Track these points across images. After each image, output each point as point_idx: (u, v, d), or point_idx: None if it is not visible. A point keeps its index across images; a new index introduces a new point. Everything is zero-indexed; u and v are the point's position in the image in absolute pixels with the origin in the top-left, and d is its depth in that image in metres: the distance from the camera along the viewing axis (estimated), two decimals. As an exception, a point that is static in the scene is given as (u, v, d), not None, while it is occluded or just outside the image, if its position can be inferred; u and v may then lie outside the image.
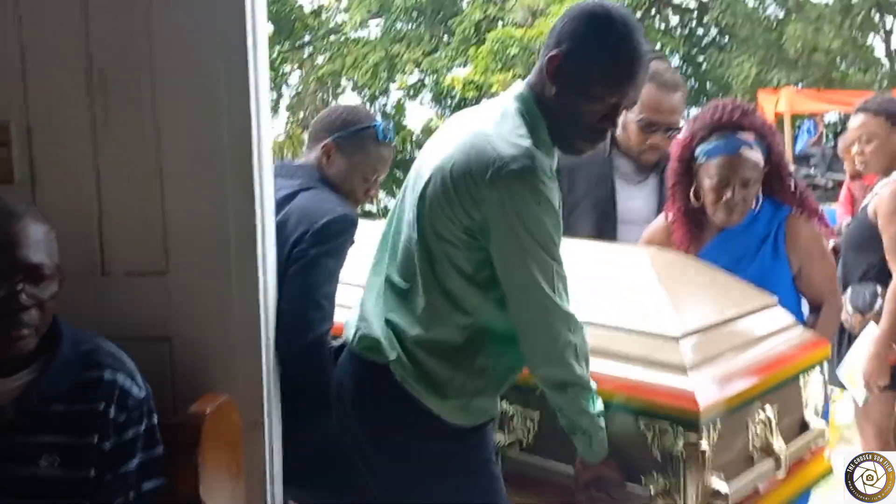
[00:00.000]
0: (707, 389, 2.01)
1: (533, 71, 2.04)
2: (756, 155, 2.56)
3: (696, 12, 19.58)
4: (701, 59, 18.75)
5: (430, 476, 2.05)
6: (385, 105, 19.63)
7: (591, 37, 1.93)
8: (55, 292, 1.80)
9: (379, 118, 2.71)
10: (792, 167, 2.85)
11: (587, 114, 1.96)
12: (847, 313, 3.40)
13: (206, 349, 2.12)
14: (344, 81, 19.61)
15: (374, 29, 19.33)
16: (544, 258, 1.89)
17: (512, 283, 1.93)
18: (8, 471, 1.79)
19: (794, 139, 13.57)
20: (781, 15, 17.55)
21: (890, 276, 3.43)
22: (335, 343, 2.31)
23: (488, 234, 1.91)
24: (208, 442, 1.94)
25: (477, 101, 16.51)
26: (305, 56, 20.05)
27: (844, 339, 3.51)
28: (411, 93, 19.38)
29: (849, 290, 3.48)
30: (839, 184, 6.27)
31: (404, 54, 18.15)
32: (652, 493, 2.00)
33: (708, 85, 18.20)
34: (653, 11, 18.33)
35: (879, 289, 3.44)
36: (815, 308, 2.71)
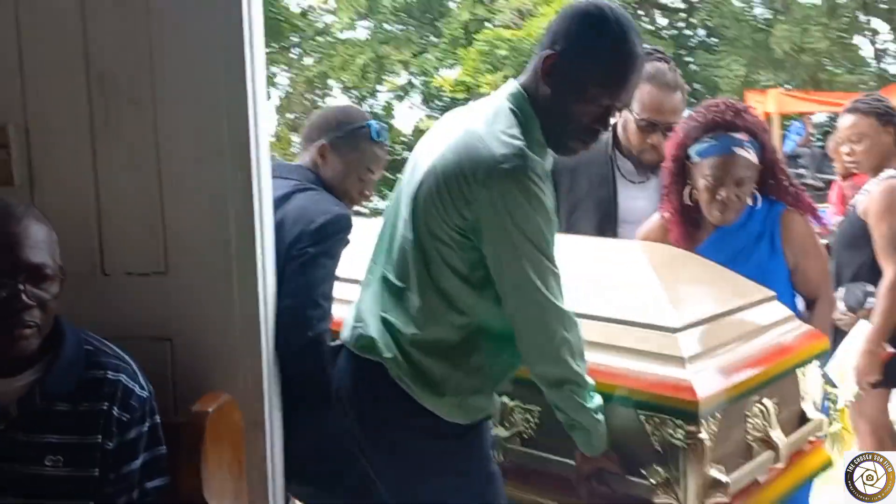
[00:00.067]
0: (706, 381, 2.02)
1: (527, 70, 2.05)
2: (749, 154, 2.58)
3: (683, 13, 19.63)
4: (689, 60, 18.80)
5: (427, 474, 2.06)
6: (374, 106, 19.62)
7: (586, 37, 1.94)
8: (57, 292, 1.81)
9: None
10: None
11: (580, 114, 1.96)
12: (839, 312, 3.43)
13: (207, 349, 2.13)
14: (332, 83, 19.58)
15: (363, 30, 19.33)
16: (537, 257, 1.90)
17: (506, 282, 1.93)
18: (12, 470, 1.80)
19: (783, 140, 13.62)
20: (769, 16, 17.63)
21: (881, 274, 3.46)
22: (335, 342, 2.32)
23: (481, 233, 1.91)
24: (211, 441, 1.95)
25: (466, 102, 16.55)
26: (293, 57, 20.02)
27: (836, 336, 3.54)
28: (400, 94, 19.38)
29: (841, 289, 3.51)
30: (828, 183, 6.30)
31: (393, 55, 18.15)
32: (652, 484, 2.01)
33: (696, 86, 18.26)
34: (640, 12, 18.36)
35: (871, 287, 3.48)
36: (810, 304, 2.74)
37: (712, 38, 18.68)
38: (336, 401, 2.17)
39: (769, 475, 2.24)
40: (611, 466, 2.05)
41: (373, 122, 2.65)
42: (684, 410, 1.97)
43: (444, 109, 18.12)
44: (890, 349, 3.42)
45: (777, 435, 2.21)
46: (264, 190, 2.16)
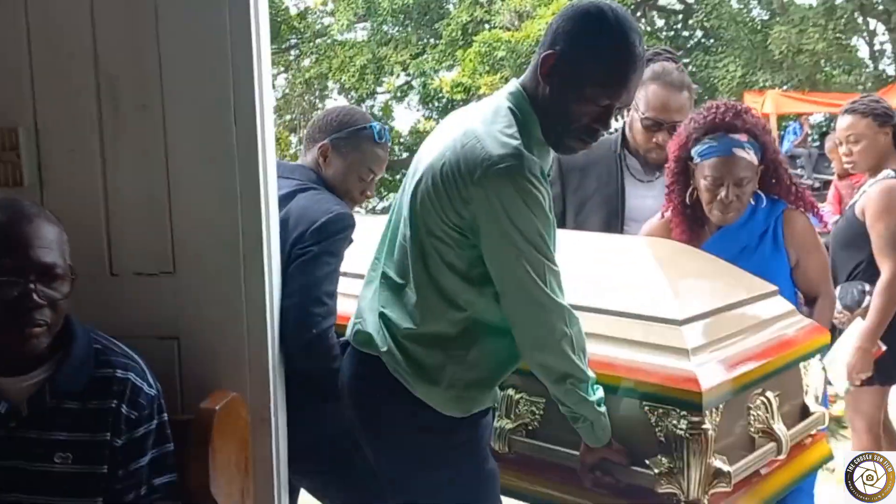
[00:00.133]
0: (709, 372, 2.04)
1: (527, 70, 2.06)
2: (749, 155, 2.60)
3: (681, 15, 19.64)
4: (686, 61, 18.82)
5: (420, 467, 2.09)
6: (372, 107, 19.63)
7: (586, 37, 1.94)
8: (67, 292, 1.83)
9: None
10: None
11: (580, 114, 1.97)
12: (836, 310, 3.46)
13: (214, 348, 2.16)
14: (331, 84, 19.58)
15: (361, 32, 19.32)
16: (535, 255, 1.91)
17: (504, 280, 1.95)
18: (22, 467, 1.82)
19: (780, 140, 13.66)
20: (766, 17, 17.65)
21: (878, 273, 3.49)
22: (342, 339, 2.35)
23: (478, 232, 1.93)
24: (218, 438, 1.98)
25: (465, 103, 16.56)
26: (292, 59, 20.02)
27: (833, 335, 3.57)
28: (398, 95, 19.38)
29: (838, 288, 3.53)
30: (825, 184, 6.32)
31: (391, 57, 18.15)
32: (656, 473, 2.03)
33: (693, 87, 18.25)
34: (638, 14, 18.37)
35: (867, 286, 3.51)
36: (810, 302, 2.76)
37: (710, 40, 18.70)
38: (342, 394, 2.21)
39: (771, 467, 2.27)
40: (615, 457, 2.08)
41: (375, 123, 2.67)
42: (688, 401, 1.99)
43: (443, 111, 18.15)
44: (882, 347, 3.44)
45: (779, 427, 2.24)
46: (270, 191, 2.18)
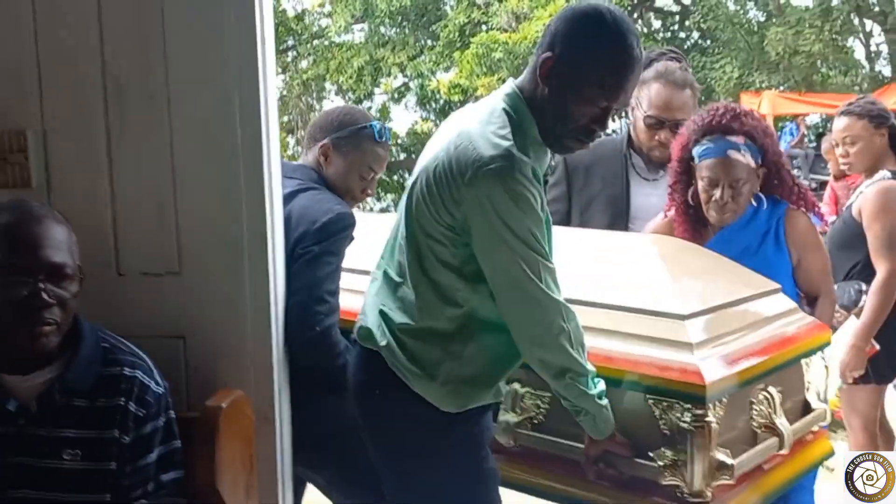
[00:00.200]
0: (713, 366, 2.06)
1: (525, 71, 2.08)
2: (745, 157, 2.62)
3: (678, 16, 19.67)
4: (683, 62, 18.79)
5: (418, 461, 2.11)
6: (370, 109, 19.62)
7: (584, 39, 1.96)
8: (76, 291, 1.86)
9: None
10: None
11: (578, 115, 1.99)
12: (834, 310, 3.49)
13: (219, 346, 2.18)
14: (328, 85, 19.56)
15: (359, 33, 19.31)
16: (528, 252, 1.93)
17: (499, 279, 1.98)
18: (32, 464, 1.85)
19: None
20: (762, 19, 17.68)
21: (874, 273, 3.52)
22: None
23: (470, 232, 1.96)
24: (224, 435, 2.01)
25: (462, 104, 16.54)
26: (289, 60, 20.00)
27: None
28: (396, 96, 19.37)
29: (834, 287, 3.56)
30: (822, 184, 6.35)
31: (389, 58, 18.14)
32: (660, 466, 2.06)
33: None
34: (635, 15, 18.39)
35: (864, 286, 3.53)
36: (811, 301, 2.77)
37: (706, 41, 18.72)
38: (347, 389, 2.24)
39: (773, 462, 2.29)
40: (619, 449, 2.10)
41: (375, 123, 2.69)
42: (692, 394, 2.01)
43: (440, 112, 18.16)
44: (876, 346, 3.47)
45: (781, 422, 2.26)
46: (275, 191, 2.21)
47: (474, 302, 2.04)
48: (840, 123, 3.81)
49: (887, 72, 17.45)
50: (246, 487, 2.13)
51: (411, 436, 2.11)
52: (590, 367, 2.02)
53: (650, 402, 2.08)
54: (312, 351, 2.35)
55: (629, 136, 3.09)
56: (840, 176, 5.52)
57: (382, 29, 18.65)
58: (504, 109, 2.01)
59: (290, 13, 19.49)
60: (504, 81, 2.14)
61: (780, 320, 2.40)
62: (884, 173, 3.66)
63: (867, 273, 3.56)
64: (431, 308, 2.05)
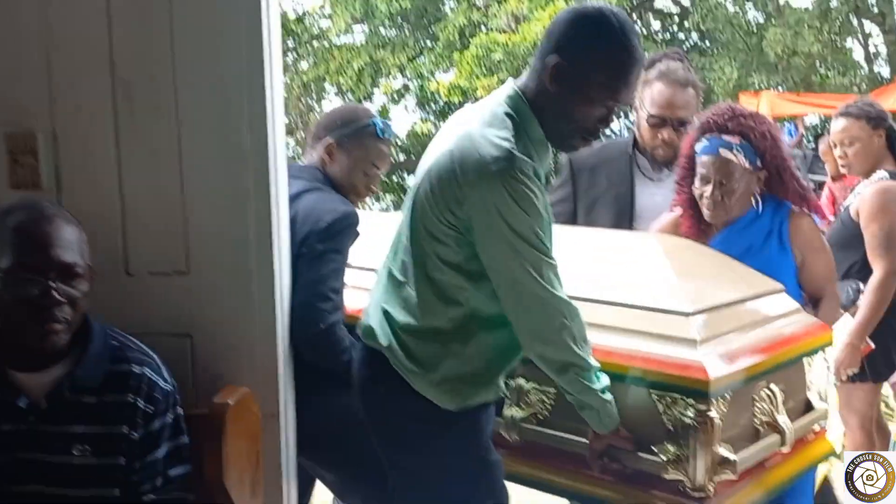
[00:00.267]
0: (716, 362, 2.08)
1: (526, 73, 2.12)
2: (737, 157, 2.63)
3: (677, 17, 19.67)
4: (682, 63, 18.77)
5: (424, 456, 2.14)
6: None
7: (592, 44, 2.00)
8: (86, 290, 1.89)
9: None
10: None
11: (585, 116, 2.04)
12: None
13: (226, 344, 2.22)
14: (328, 87, 19.55)
15: (359, 35, 19.30)
16: (530, 250, 1.96)
17: (502, 277, 2.01)
18: (42, 460, 1.88)
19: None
20: (761, 20, 17.67)
21: (871, 273, 3.55)
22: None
23: (474, 231, 1.99)
24: (231, 432, 2.04)
25: (461, 105, 16.52)
26: (289, 62, 19.98)
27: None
28: (395, 98, 19.35)
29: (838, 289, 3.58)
30: (820, 185, 6.36)
31: (388, 59, 18.13)
32: (663, 460, 2.08)
33: (689, 88, 18.21)
34: (634, 16, 18.40)
35: (861, 285, 3.55)
36: (815, 302, 2.78)
37: (705, 42, 18.72)
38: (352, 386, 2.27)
39: (774, 459, 2.31)
40: (622, 444, 2.13)
41: (377, 119, 2.73)
42: (695, 390, 2.04)
43: (439, 113, 18.14)
44: (871, 344, 3.49)
45: (783, 420, 2.28)
46: (281, 191, 2.24)
47: (476, 301, 2.07)
48: (838, 125, 3.83)
49: (886, 72, 17.44)
50: (252, 483, 2.17)
51: (414, 431, 2.14)
52: (593, 362, 2.05)
53: (654, 397, 2.11)
54: (316, 348, 2.39)
55: (634, 136, 3.12)
56: (837, 177, 5.53)
57: (382, 30, 18.64)
58: (506, 112, 2.04)
59: (291, 15, 19.48)
60: (503, 82, 2.16)
61: (782, 319, 2.42)
62: (881, 174, 3.69)
63: (865, 273, 3.59)
64: (433, 307, 2.08)
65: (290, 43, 19.60)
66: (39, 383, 1.89)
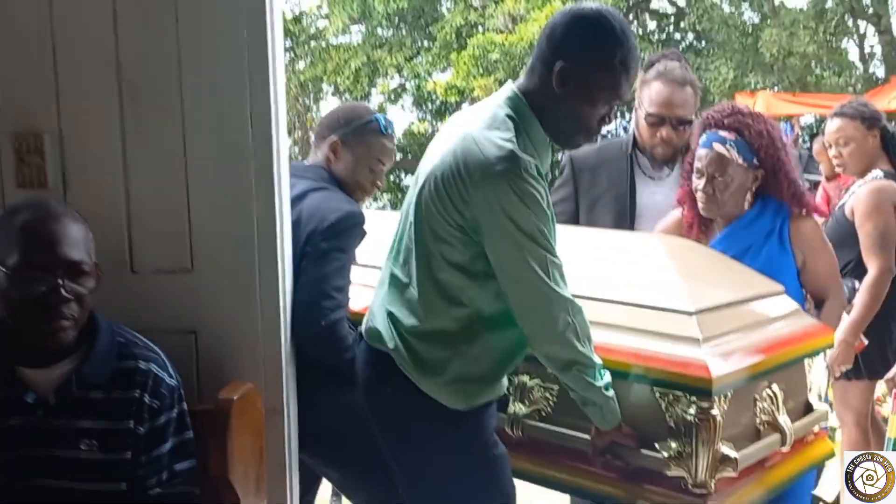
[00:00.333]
0: (719, 361, 2.11)
1: (524, 73, 2.16)
2: (730, 152, 2.65)
3: (673, 17, 19.69)
4: (679, 63, 18.76)
5: (431, 453, 2.16)
6: (366, 110, 19.46)
7: (596, 48, 2.04)
8: (93, 287, 1.91)
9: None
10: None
11: (590, 115, 2.09)
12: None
13: (230, 341, 2.25)
14: (325, 86, 19.54)
15: (356, 35, 19.30)
16: (535, 249, 1.99)
17: (508, 275, 2.04)
18: (50, 454, 1.91)
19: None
20: (757, 20, 17.70)
21: (866, 271, 3.59)
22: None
23: (480, 230, 2.02)
24: (236, 427, 2.07)
25: (458, 105, 16.57)
26: (286, 62, 19.95)
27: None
28: (392, 97, 19.36)
29: (844, 289, 3.60)
30: (815, 184, 6.38)
31: (385, 59, 18.13)
32: (665, 457, 2.11)
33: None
34: (630, 16, 18.42)
35: (857, 284, 3.58)
36: (818, 303, 2.80)
37: (701, 42, 18.74)
38: (357, 384, 2.29)
39: (774, 459, 2.33)
40: (625, 440, 2.16)
41: (380, 116, 2.76)
42: (698, 388, 2.06)
43: (436, 113, 18.15)
44: (865, 341, 3.51)
45: (784, 420, 2.30)
46: (284, 191, 2.27)
47: (480, 301, 2.09)
48: (833, 125, 3.86)
49: (881, 73, 17.47)
50: (256, 478, 2.19)
51: (420, 430, 2.16)
52: (596, 359, 2.07)
53: (657, 394, 2.13)
54: (317, 345, 2.42)
55: (634, 136, 3.15)
56: (832, 176, 5.57)
57: (379, 30, 18.64)
58: (507, 114, 2.07)
59: (288, 15, 19.45)
60: (500, 82, 2.21)
61: (783, 321, 2.45)
62: (876, 173, 3.72)
63: (860, 271, 3.62)
64: (437, 308, 2.11)
65: (288, 43, 19.56)
66: (47, 379, 1.92)
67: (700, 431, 2.07)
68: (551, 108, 2.09)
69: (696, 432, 2.07)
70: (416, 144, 16.48)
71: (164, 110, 2.19)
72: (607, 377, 2.10)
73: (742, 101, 12.82)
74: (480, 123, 2.06)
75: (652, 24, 20.13)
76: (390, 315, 2.17)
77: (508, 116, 2.06)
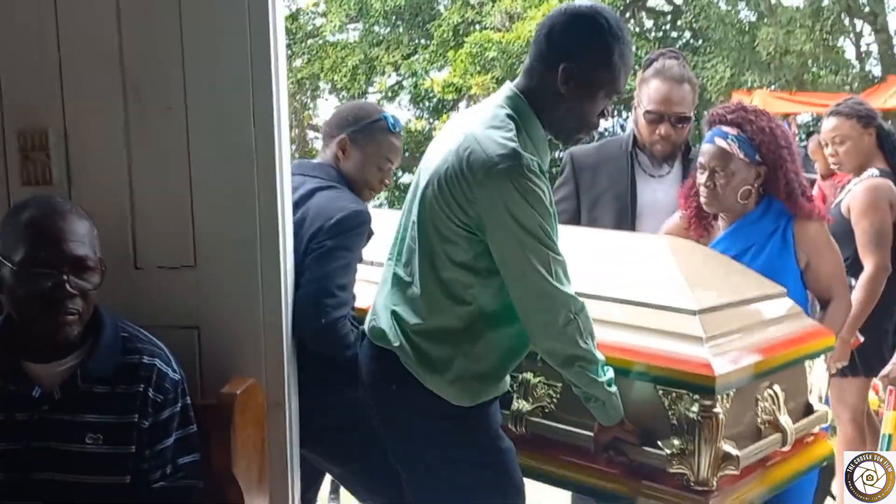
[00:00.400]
0: (722, 360, 2.13)
1: (522, 73, 2.19)
2: (731, 146, 2.67)
3: (669, 16, 19.69)
4: (675, 61, 18.76)
5: (436, 450, 2.19)
6: (364, 108, 19.43)
7: (598, 48, 2.09)
8: (98, 283, 1.94)
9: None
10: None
11: (591, 112, 2.14)
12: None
13: (232, 336, 2.27)
14: (322, 84, 19.53)
15: (353, 32, 19.28)
16: (538, 247, 2.02)
17: (511, 272, 2.06)
18: (56, 448, 1.93)
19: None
20: (754, 18, 17.69)
21: (862, 268, 3.61)
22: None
23: (484, 228, 2.04)
24: (238, 421, 2.09)
25: (455, 103, 16.58)
26: (284, 59, 19.90)
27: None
28: (389, 95, 19.34)
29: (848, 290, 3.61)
30: (811, 182, 6.38)
31: (383, 57, 18.12)
32: (668, 454, 2.12)
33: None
34: (627, 15, 18.43)
35: (853, 281, 3.60)
36: (823, 305, 2.81)
37: (698, 41, 18.74)
38: (360, 382, 2.31)
39: (775, 458, 2.35)
40: (627, 436, 2.18)
41: (388, 115, 2.78)
42: (701, 386, 2.08)
43: (433, 111, 18.14)
44: (860, 338, 3.53)
45: (785, 419, 2.32)
46: (286, 189, 2.29)
47: (483, 299, 2.12)
48: (829, 124, 3.90)
49: (877, 71, 17.47)
50: (259, 471, 2.22)
51: (424, 427, 2.18)
52: (599, 355, 2.09)
53: (660, 392, 2.15)
54: (318, 341, 2.43)
55: (633, 134, 3.18)
56: (827, 175, 5.58)
57: (377, 28, 18.60)
58: (507, 113, 2.10)
59: (285, 13, 19.44)
60: (497, 80, 2.25)
61: (786, 322, 2.47)
62: (872, 171, 3.76)
63: (856, 269, 3.65)
64: (441, 307, 2.13)
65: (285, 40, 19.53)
66: (53, 374, 1.94)
67: (703, 429, 2.08)
68: (553, 106, 2.12)
69: (698, 430, 2.09)
70: (414, 142, 16.45)
71: (167, 109, 2.22)
72: (610, 374, 2.11)
73: (739, 99, 12.84)
74: (482, 123, 2.08)
75: (649, 23, 20.13)
76: (394, 314, 2.19)
77: (509, 116, 2.09)
